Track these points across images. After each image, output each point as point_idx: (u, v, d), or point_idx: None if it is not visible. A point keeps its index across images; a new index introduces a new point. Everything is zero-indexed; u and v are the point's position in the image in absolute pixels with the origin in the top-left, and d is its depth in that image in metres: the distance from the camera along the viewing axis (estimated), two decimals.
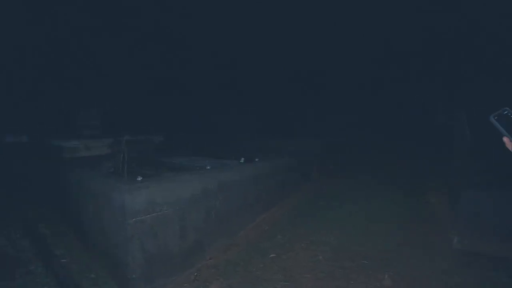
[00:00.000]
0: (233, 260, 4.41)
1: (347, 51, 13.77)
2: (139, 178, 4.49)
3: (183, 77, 13.58)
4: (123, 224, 3.96)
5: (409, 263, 4.18)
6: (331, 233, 4.74)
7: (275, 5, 13.77)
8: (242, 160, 5.88)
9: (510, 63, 10.45)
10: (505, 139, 1.32)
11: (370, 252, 4.38)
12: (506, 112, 1.39)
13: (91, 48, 12.60)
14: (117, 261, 4.17)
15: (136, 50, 13.39)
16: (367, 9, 14.17)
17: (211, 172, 5.15)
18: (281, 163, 6.31)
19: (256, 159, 5.97)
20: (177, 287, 4.02)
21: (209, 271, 4.27)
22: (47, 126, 8.83)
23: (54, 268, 4.23)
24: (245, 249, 4.55)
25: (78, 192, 4.91)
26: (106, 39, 14.47)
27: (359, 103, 13.63)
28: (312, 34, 13.79)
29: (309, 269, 4.21)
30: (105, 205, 4.25)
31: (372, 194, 5.90)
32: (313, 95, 12.65)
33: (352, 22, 13.64)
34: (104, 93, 11.38)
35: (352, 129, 10.78)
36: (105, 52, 12.79)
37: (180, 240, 4.41)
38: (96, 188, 4.51)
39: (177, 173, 4.95)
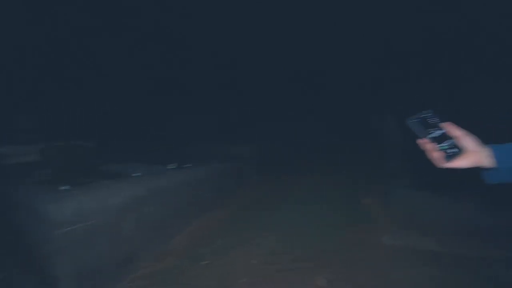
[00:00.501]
0: (167, 269, 4.34)
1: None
2: (67, 187, 4.44)
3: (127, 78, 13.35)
4: (50, 236, 3.92)
5: (346, 263, 4.17)
6: (268, 236, 4.73)
7: None
8: (174, 166, 5.80)
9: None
10: (421, 141, 1.35)
11: (307, 254, 4.36)
12: (424, 115, 1.38)
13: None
14: (46, 275, 4.12)
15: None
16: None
17: (142, 179, 5.07)
18: (217, 168, 6.20)
19: (189, 165, 5.89)
20: None
21: (143, 281, 4.20)
22: None
23: None
24: (180, 256, 4.48)
25: (5, 202, 4.87)
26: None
27: (315, 104, 13.61)
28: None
29: (245, 273, 4.17)
30: (32, 216, 4.20)
31: (310, 196, 5.94)
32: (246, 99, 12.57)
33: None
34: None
35: (301, 131, 10.75)
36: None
37: (112, 251, 4.35)
38: (23, 198, 4.47)
39: (107, 180, 4.88)
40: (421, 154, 1.40)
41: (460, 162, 1.32)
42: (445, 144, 1.32)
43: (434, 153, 1.33)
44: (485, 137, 1.40)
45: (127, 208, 4.45)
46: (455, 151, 1.32)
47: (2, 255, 4.43)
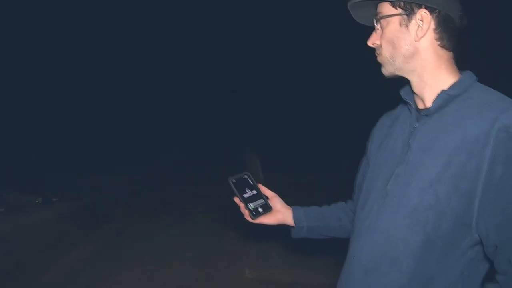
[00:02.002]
0: None
1: None
2: None
3: None
4: None
5: None
6: (134, 272, 4.60)
7: None
8: (40, 200, 5.65)
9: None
10: (236, 199, 1.51)
11: None
12: (245, 176, 1.56)
13: None
14: None
15: None
16: None
17: (7, 214, 4.90)
18: (85, 203, 5.97)
19: (55, 199, 5.73)
20: None
21: None
22: None
23: None
24: None
25: None
26: None
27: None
28: None
29: None
30: None
31: (175, 230, 5.81)
32: None
33: None
34: None
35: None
36: None
37: None
38: None
39: None
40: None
41: (267, 220, 1.51)
42: (252, 204, 1.49)
43: (245, 210, 1.48)
44: None
45: None
46: (260, 211, 1.49)
47: None
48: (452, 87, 1.15)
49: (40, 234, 4.80)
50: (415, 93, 1.24)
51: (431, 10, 1.15)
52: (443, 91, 1.15)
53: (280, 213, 1.56)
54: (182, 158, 11.68)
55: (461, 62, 1.23)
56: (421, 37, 1.16)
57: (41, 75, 12.72)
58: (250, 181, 1.55)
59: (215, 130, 15.36)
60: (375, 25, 1.26)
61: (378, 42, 1.25)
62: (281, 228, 1.64)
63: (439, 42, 1.17)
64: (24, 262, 4.39)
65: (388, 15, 1.20)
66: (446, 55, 1.19)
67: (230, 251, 5.22)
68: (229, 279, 4.51)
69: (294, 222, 1.58)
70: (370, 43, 1.28)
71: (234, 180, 1.51)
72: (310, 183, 7.55)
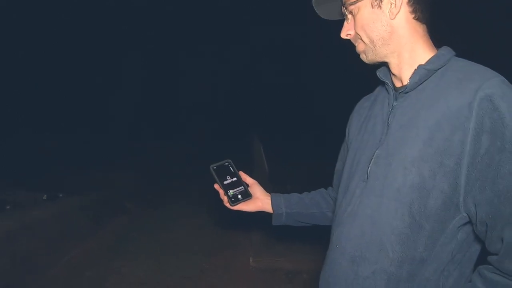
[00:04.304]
0: None
1: None
2: None
3: None
4: None
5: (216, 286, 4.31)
6: (141, 265, 4.67)
7: None
8: (45, 196, 5.66)
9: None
10: (216, 186, 1.53)
11: (176, 281, 4.37)
12: (227, 163, 1.58)
13: None
14: None
15: None
16: None
17: (14, 211, 4.92)
18: (91, 197, 5.96)
19: (61, 195, 5.75)
20: None
21: None
22: None
23: None
24: None
25: None
26: None
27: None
28: None
29: None
30: None
31: (180, 223, 5.99)
32: None
33: None
34: None
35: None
36: None
37: None
38: None
39: None
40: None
41: (246, 207, 1.53)
42: (232, 191, 1.51)
43: (224, 197, 1.51)
44: None
45: None
46: (239, 197, 1.52)
47: None
48: (429, 61, 1.11)
49: (46, 230, 4.83)
50: (393, 74, 1.20)
51: None
52: (419, 66, 1.11)
53: (260, 200, 1.57)
54: (185, 151, 11.73)
55: (437, 40, 1.18)
56: (396, 14, 1.12)
57: (41, 73, 12.75)
58: (231, 168, 1.56)
59: (217, 121, 15.37)
60: (346, 14, 1.21)
61: (351, 33, 1.21)
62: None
63: (413, 15, 1.13)
64: (31, 258, 4.44)
65: (358, 0, 1.15)
66: (421, 28, 1.15)
67: (234, 241, 5.31)
68: (234, 269, 4.58)
69: (273, 209, 1.58)
70: (343, 35, 1.24)
71: (215, 167, 1.53)
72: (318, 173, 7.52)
